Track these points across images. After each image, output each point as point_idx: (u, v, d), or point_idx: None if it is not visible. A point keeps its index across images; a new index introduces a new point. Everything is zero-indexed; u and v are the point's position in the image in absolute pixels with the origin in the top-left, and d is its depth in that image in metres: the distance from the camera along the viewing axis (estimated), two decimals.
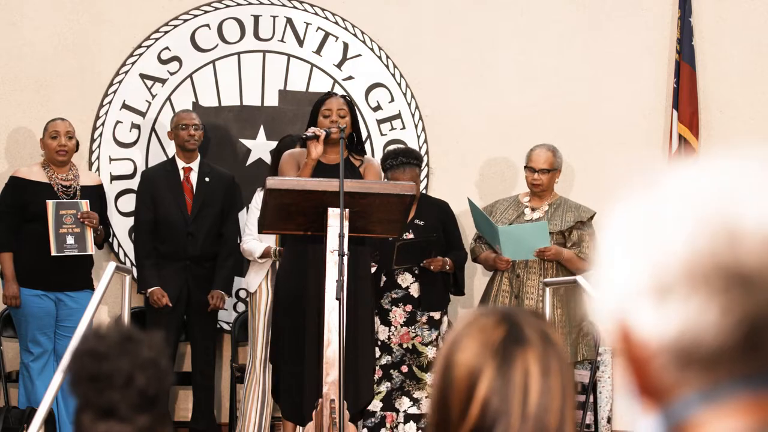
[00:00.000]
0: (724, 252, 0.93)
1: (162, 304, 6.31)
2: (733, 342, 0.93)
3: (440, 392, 1.42)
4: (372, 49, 7.10)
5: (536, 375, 1.39)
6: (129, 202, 6.86)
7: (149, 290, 6.35)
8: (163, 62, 6.99)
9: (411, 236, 6.20)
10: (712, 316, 0.93)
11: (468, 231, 6.56)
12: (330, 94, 5.57)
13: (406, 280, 6.22)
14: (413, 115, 7.10)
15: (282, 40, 7.07)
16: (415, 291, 6.22)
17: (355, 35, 7.10)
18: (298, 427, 5.37)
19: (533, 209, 6.34)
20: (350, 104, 5.47)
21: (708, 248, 0.93)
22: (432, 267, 6.14)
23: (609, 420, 6.84)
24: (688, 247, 0.94)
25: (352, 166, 5.38)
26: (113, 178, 6.92)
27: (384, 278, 6.22)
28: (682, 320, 0.95)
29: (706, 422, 0.95)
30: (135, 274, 6.44)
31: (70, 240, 6.16)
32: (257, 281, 6.37)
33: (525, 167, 6.32)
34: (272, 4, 7.08)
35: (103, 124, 6.94)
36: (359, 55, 7.10)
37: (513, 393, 1.38)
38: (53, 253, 6.12)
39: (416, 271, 6.20)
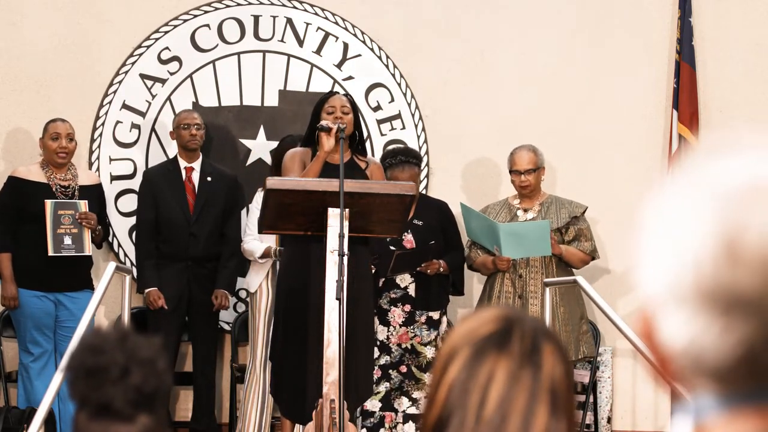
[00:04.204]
0: (724, 274, 0.94)
1: (158, 305, 6.30)
2: (733, 362, 0.95)
3: (433, 373, 1.43)
4: (372, 49, 7.09)
5: (500, 383, 1.37)
6: (129, 202, 6.87)
7: (146, 291, 6.34)
8: (163, 62, 6.99)
9: (409, 236, 6.20)
10: (713, 336, 0.95)
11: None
12: (333, 93, 5.58)
13: (404, 279, 6.22)
14: (413, 115, 7.09)
15: (282, 40, 7.07)
16: (413, 291, 6.21)
17: (355, 35, 7.09)
18: (297, 426, 5.36)
19: (525, 210, 6.33)
20: (353, 103, 5.47)
21: (710, 269, 0.95)
22: (429, 271, 6.14)
23: (609, 420, 6.84)
24: (696, 266, 0.95)
25: (359, 168, 5.37)
26: (113, 178, 6.92)
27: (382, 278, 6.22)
28: (690, 334, 0.97)
29: (721, 426, 0.96)
30: (135, 274, 6.44)
31: (67, 240, 6.15)
32: (257, 281, 6.36)
33: (510, 171, 6.31)
34: (272, 4, 7.08)
35: (103, 124, 6.94)
36: (359, 55, 7.10)
37: (473, 390, 1.37)
38: (50, 253, 6.11)
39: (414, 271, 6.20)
